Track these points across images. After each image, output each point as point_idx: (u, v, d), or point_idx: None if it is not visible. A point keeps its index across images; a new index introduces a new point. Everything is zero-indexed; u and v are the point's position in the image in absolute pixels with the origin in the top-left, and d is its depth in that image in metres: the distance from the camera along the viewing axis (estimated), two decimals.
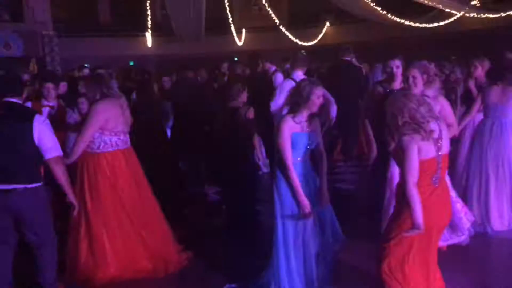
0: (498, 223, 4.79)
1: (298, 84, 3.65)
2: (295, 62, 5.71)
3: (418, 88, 4.01)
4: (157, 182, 4.64)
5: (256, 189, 5.38)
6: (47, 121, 3.66)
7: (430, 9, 14.88)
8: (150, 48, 18.28)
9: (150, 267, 4.21)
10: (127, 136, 4.28)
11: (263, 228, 4.87)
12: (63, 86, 5.96)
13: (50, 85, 5.14)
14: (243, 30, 19.38)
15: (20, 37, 14.95)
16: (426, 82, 4.07)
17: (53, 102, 5.21)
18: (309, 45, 18.66)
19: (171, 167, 6.06)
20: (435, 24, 15.25)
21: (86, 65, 13.44)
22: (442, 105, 4.12)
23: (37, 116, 3.55)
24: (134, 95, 7.15)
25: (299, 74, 5.59)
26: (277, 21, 18.32)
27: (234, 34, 18.85)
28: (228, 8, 18.14)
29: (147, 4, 17.40)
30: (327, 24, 19.08)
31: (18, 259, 3.78)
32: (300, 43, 18.54)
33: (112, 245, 4.12)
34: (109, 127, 4.10)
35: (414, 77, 4.03)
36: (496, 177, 4.80)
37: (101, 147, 4.10)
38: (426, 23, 15.38)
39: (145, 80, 6.98)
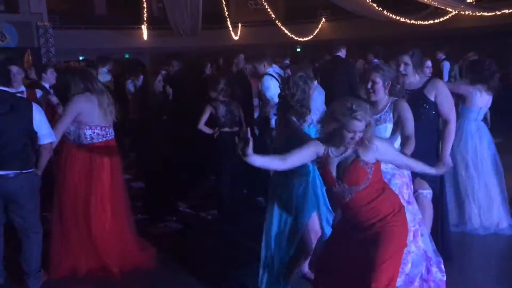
0: (477, 222, 4.84)
1: (293, 80, 3.49)
2: (267, 60, 5.86)
3: (377, 95, 3.38)
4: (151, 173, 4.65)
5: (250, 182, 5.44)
6: (41, 109, 3.84)
7: (426, 6, 14.93)
8: (145, 41, 18.23)
9: (105, 263, 4.19)
10: (104, 130, 4.30)
11: (257, 219, 4.91)
12: (51, 73, 5.98)
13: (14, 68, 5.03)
14: (239, 25, 19.36)
15: (15, 28, 14.89)
16: (388, 89, 3.41)
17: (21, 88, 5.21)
18: (304, 41, 18.69)
19: (166, 160, 6.09)
20: (430, 22, 15.32)
21: (81, 57, 13.37)
22: (399, 116, 3.37)
23: (33, 104, 3.74)
24: (130, 86, 7.15)
25: (274, 68, 5.86)
26: (273, 16, 18.32)
27: (230, 28, 18.84)
28: (224, 2, 18.13)
29: None
30: (323, 19, 19.09)
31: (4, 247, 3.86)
32: (296, 38, 18.55)
33: (82, 238, 4.17)
34: (84, 121, 4.17)
35: (373, 82, 3.37)
36: (478, 178, 4.85)
37: (76, 140, 4.18)
38: (421, 20, 15.44)
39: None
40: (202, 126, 5.28)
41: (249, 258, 3.88)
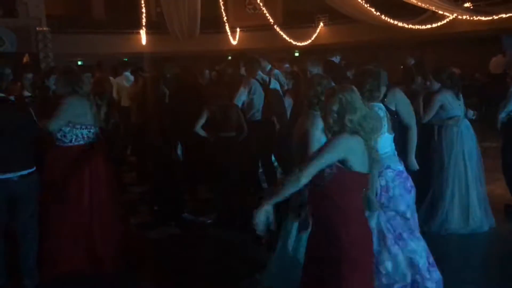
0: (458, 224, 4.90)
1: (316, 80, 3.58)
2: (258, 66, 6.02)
3: None
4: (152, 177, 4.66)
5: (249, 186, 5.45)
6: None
7: (424, 10, 14.98)
8: (144, 45, 18.23)
9: (85, 265, 4.25)
10: (97, 129, 4.41)
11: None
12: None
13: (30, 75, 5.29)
14: (237, 29, 19.39)
15: (13, 32, 14.87)
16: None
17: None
18: (303, 45, 18.72)
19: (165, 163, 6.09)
20: (428, 26, 15.36)
21: (79, 62, 13.39)
22: None
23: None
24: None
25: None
26: (271, 20, 18.35)
27: (229, 33, 18.86)
28: (222, 7, 18.16)
29: (142, 2, 17.35)
30: (321, 24, 19.14)
31: None
32: (294, 42, 18.58)
33: (69, 239, 4.22)
34: (79, 121, 4.22)
35: None
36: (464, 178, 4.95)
37: (73, 140, 4.23)
38: (419, 24, 15.48)
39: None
40: (198, 129, 5.32)
41: (245, 265, 3.88)
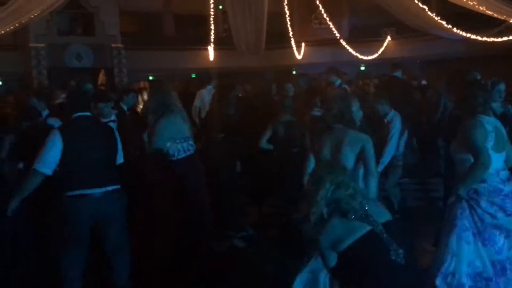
0: None
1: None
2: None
3: None
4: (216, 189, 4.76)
5: None
6: None
7: (500, 22, 14.27)
8: (211, 61, 18.69)
9: None
10: (192, 141, 4.61)
11: None
12: (132, 98, 6.40)
13: (101, 105, 5.41)
14: (303, 44, 19.42)
15: (91, 49, 15.83)
16: None
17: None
18: (369, 59, 18.42)
19: (229, 176, 6.16)
20: (505, 38, 14.60)
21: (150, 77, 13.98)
22: None
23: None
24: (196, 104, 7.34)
25: None
26: (337, 34, 18.23)
27: (294, 47, 18.93)
28: (289, 23, 18.27)
29: (211, 19, 17.85)
30: (388, 37, 18.74)
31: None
32: (360, 56, 18.33)
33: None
34: (178, 136, 4.39)
35: None
36: None
37: (176, 154, 4.41)
38: (494, 37, 14.75)
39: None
40: (264, 143, 5.38)
41: None
